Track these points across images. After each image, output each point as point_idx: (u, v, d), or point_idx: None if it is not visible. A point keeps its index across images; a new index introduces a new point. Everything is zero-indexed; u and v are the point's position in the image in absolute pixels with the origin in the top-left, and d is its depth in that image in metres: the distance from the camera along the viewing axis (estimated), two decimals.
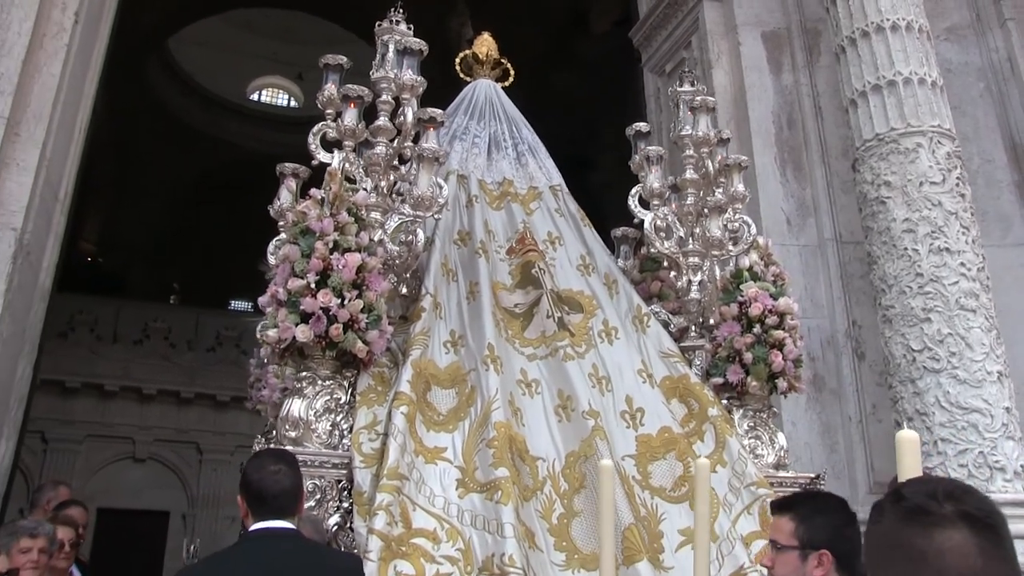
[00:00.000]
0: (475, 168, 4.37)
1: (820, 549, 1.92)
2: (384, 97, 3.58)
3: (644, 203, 4.25)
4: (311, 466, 2.83)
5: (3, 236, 4.46)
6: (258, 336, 4.58)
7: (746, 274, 3.84)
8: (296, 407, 2.98)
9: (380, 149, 3.53)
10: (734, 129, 5.57)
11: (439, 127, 3.61)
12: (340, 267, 2.99)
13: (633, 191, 4.27)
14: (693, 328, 4.03)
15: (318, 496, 2.84)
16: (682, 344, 3.94)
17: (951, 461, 3.99)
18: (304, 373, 3.06)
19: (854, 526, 1.99)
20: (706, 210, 4.11)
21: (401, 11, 3.70)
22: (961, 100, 5.40)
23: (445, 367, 3.35)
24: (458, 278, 3.79)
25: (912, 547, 1.10)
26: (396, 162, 3.64)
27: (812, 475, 3.71)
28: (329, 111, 3.62)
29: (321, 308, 2.93)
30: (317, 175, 3.83)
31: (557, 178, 4.52)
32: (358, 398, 3.08)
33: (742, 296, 3.75)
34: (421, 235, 3.57)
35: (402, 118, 3.61)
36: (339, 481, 2.92)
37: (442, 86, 4.54)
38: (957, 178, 4.43)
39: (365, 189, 3.43)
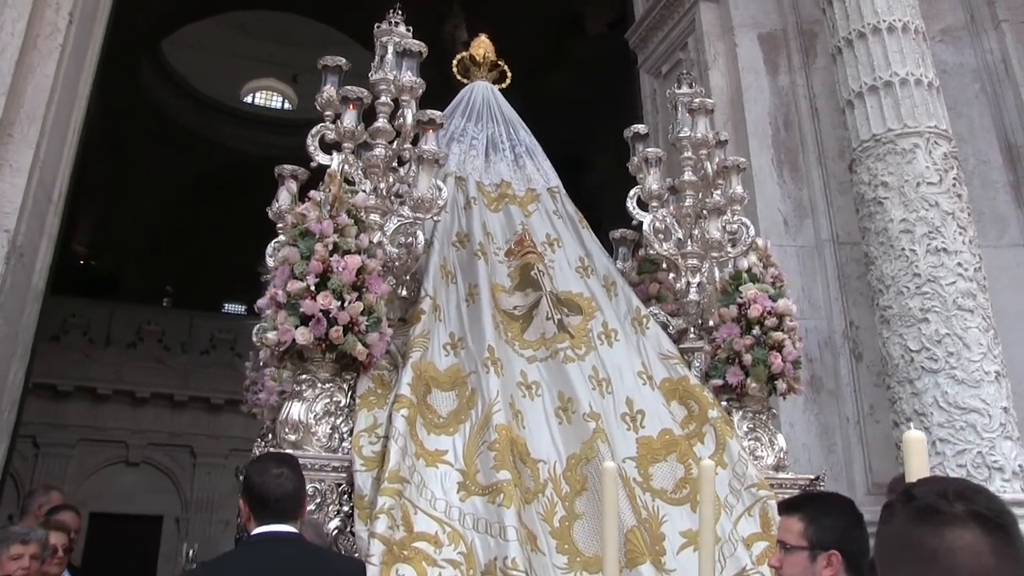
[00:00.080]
0: (473, 170, 4.36)
1: (829, 550, 1.92)
2: (383, 99, 3.57)
3: (642, 205, 4.25)
4: (311, 469, 2.81)
5: None
6: (255, 339, 4.57)
7: (745, 276, 3.84)
8: (296, 410, 2.96)
9: (379, 151, 3.52)
10: (731, 130, 5.57)
11: (438, 129, 3.60)
12: (340, 269, 2.97)
13: (632, 192, 4.26)
14: (692, 330, 4.03)
15: (318, 500, 2.82)
16: (681, 346, 3.94)
17: (949, 461, 3.99)
18: (303, 376, 3.04)
19: (861, 526, 1.99)
20: (705, 212, 4.11)
21: (400, 12, 3.69)
22: (956, 101, 5.42)
23: (445, 369, 3.34)
24: (457, 280, 3.78)
25: (923, 546, 1.10)
26: (395, 164, 3.63)
27: (812, 476, 3.71)
28: (328, 113, 3.60)
29: (321, 310, 2.91)
30: (311, 177, 3.82)
31: (555, 180, 4.52)
32: (358, 401, 3.07)
33: (741, 298, 3.75)
34: (421, 237, 3.56)
35: (401, 120, 3.59)
36: (339, 485, 2.90)
37: (440, 86, 4.53)
38: (954, 178, 4.44)
39: (364, 191, 3.42)
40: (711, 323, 3.93)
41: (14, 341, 4.72)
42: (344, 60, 3.68)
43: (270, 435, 4.08)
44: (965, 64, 5.76)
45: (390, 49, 3.62)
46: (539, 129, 4.84)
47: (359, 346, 2.99)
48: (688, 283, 4.04)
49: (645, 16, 6.95)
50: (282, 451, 2.74)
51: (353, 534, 2.80)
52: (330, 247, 2.99)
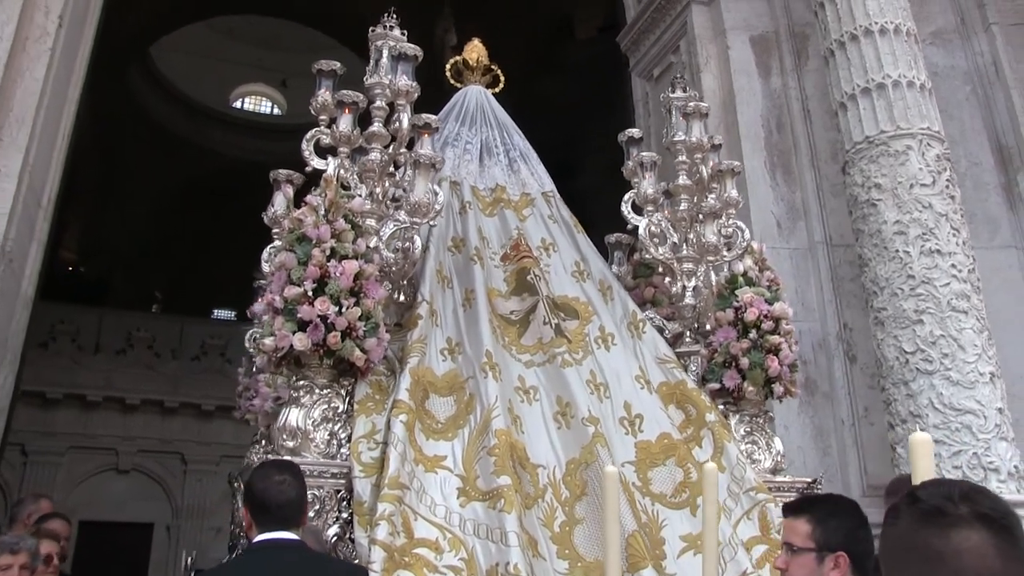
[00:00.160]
0: (467, 174, 4.36)
1: (837, 551, 1.92)
2: (378, 103, 3.55)
3: (636, 209, 4.24)
4: (309, 476, 2.77)
5: None
6: (247, 345, 4.54)
7: (741, 279, 3.84)
8: (293, 416, 2.94)
9: (375, 155, 3.50)
10: (723, 133, 5.59)
11: (434, 133, 3.59)
12: (338, 274, 2.95)
13: (627, 197, 4.26)
14: (688, 334, 4.03)
15: (317, 506, 2.79)
16: (677, 350, 3.94)
17: (945, 463, 4.01)
18: (301, 382, 3.01)
19: (866, 528, 1.99)
20: (700, 216, 4.11)
21: (395, 16, 3.67)
22: (947, 103, 5.46)
23: (442, 375, 3.32)
24: (453, 285, 3.76)
25: (929, 548, 1.10)
26: (391, 168, 3.61)
27: (809, 479, 3.71)
28: (323, 117, 3.59)
29: (319, 316, 2.89)
30: (305, 182, 3.79)
31: (549, 184, 4.52)
32: (356, 407, 3.05)
33: (737, 301, 3.75)
34: (419, 241, 3.54)
35: (396, 124, 3.58)
36: (338, 491, 2.88)
37: (434, 91, 4.52)
38: (947, 180, 4.47)
39: (360, 195, 3.40)
40: (707, 327, 3.92)
41: (3, 348, 4.67)
42: (339, 64, 3.66)
43: (264, 441, 4.05)
44: (956, 66, 5.80)
45: (385, 53, 3.61)
46: (530, 133, 4.84)
47: (357, 352, 2.97)
48: (684, 287, 4.03)
49: (637, 19, 6.96)
50: (283, 458, 2.71)
51: (352, 540, 2.78)
52: (327, 252, 2.97)
